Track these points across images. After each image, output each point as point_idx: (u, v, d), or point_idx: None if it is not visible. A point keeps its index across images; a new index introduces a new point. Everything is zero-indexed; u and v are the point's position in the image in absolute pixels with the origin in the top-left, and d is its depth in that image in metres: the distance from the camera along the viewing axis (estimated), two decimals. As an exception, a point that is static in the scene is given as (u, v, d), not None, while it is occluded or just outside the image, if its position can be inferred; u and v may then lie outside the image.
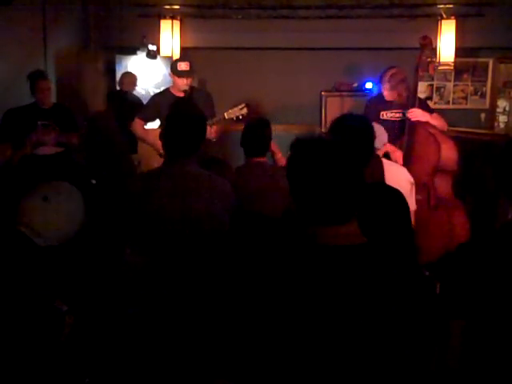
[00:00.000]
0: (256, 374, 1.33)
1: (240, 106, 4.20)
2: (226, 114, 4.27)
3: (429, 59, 4.11)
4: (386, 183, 2.48)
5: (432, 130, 4.00)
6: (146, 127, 4.56)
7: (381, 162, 2.85)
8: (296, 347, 1.30)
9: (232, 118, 4.22)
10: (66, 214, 1.92)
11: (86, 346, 1.82)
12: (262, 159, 3.32)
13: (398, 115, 4.21)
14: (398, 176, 2.96)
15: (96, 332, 1.86)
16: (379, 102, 4.34)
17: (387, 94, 4.22)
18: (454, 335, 1.71)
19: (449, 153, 3.93)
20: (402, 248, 2.35)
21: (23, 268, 1.79)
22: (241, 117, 4.19)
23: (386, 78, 4.20)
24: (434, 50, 4.24)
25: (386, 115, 4.25)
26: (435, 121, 4.11)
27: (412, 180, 2.99)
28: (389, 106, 4.26)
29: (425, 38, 4.12)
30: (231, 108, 4.21)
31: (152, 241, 2.39)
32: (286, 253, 1.41)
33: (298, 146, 1.43)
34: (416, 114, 4.01)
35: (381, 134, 3.02)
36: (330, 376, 1.29)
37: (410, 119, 4.01)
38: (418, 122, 4.02)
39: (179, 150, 2.45)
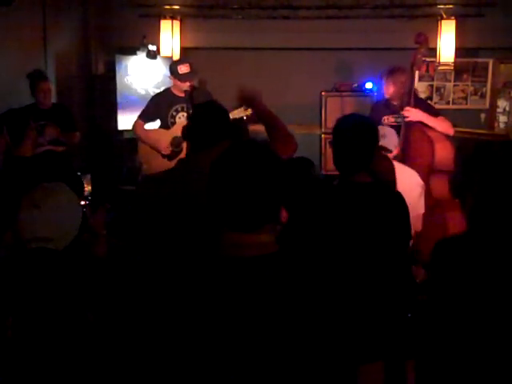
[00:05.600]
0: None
1: (244, 107, 4.19)
2: (230, 115, 4.25)
3: (424, 58, 4.06)
4: (385, 184, 2.47)
5: (427, 131, 3.95)
6: (146, 127, 4.55)
7: (391, 163, 2.86)
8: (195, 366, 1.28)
9: (236, 118, 4.20)
10: (61, 211, 1.90)
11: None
12: None
13: (398, 120, 4.15)
14: (409, 179, 2.98)
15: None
16: (382, 107, 4.30)
17: (390, 90, 4.18)
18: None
19: (443, 153, 3.89)
20: (395, 249, 2.36)
21: (56, 283, 1.77)
22: (245, 117, 4.17)
23: (386, 72, 4.17)
24: (429, 49, 4.16)
25: (388, 120, 4.21)
26: (438, 123, 3.99)
27: (422, 183, 3.01)
28: (391, 111, 4.22)
29: (420, 35, 4.01)
30: (235, 109, 4.20)
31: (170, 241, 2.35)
32: (193, 266, 1.38)
33: (228, 149, 1.40)
34: (409, 114, 3.96)
35: (391, 136, 3.03)
36: None
37: (404, 119, 3.97)
38: (413, 122, 3.97)
39: (195, 145, 2.43)
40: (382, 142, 2.92)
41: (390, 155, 2.98)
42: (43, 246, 1.81)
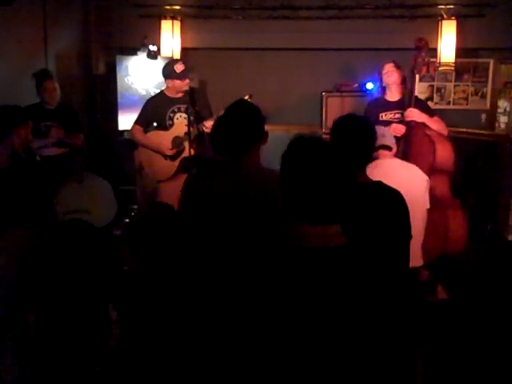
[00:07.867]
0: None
1: (245, 97, 4.19)
2: None
3: (425, 60, 4.10)
4: (384, 183, 2.47)
5: (428, 131, 4.00)
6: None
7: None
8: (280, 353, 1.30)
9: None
10: (102, 190, 1.97)
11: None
12: None
13: (397, 116, 4.20)
14: (414, 174, 3.03)
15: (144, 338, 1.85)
16: (379, 104, 4.33)
17: (393, 77, 4.21)
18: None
19: (444, 153, 3.94)
20: (396, 249, 2.35)
21: (91, 256, 1.77)
22: None
23: (391, 60, 4.22)
24: (429, 52, 4.21)
25: (385, 116, 4.24)
26: (434, 124, 4.08)
27: (427, 178, 3.05)
28: (388, 107, 4.25)
29: (421, 39, 4.10)
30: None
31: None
32: (270, 257, 1.43)
33: (296, 143, 1.45)
34: (412, 114, 4.01)
35: (390, 135, 3.08)
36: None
37: (406, 119, 4.02)
38: (415, 123, 4.02)
39: (228, 149, 2.39)
40: (382, 141, 2.94)
41: (391, 153, 3.02)
42: (80, 217, 1.82)
